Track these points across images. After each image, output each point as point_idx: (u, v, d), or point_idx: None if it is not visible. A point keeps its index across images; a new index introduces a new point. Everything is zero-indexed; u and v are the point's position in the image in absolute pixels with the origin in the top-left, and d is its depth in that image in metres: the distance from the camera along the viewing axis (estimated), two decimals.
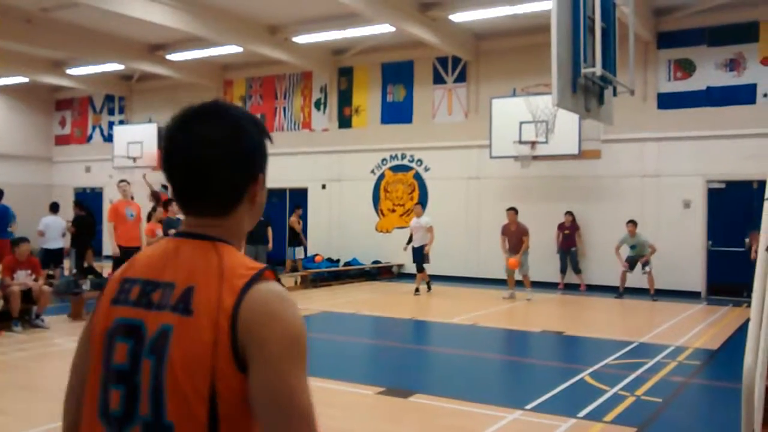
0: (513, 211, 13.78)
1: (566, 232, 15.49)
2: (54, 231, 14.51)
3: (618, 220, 15.13)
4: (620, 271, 14.22)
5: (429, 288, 14.88)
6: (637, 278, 14.12)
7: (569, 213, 15.48)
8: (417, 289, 14.61)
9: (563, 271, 15.64)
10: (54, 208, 15.32)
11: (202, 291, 1.33)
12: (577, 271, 15.45)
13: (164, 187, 18.30)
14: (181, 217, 10.16)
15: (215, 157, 1.42)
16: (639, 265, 13.97)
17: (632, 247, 13.96)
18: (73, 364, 1.55)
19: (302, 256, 16.83)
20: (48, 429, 5.46)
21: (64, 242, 14.95)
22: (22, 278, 10.13)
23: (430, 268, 14.96)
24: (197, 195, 1.44)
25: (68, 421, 1.54)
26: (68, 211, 17.23)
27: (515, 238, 13.64)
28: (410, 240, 14.92)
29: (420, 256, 14.55)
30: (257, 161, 1.48)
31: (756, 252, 12.76)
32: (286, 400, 1.28)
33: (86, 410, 1.43)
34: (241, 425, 1.32)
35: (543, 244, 15.07)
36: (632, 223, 13.95)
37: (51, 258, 14.19)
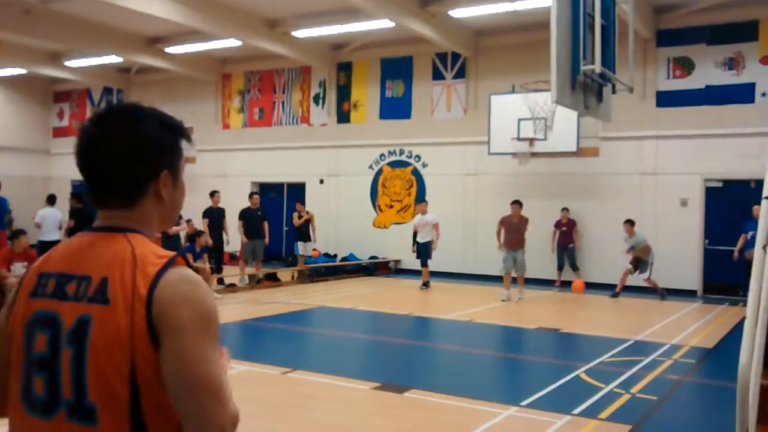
0: (518, 204, 13.31)
1: (563, 228, 15.49)
2: (50, 223, 14.50)
3: (616, 218, 15.14)
4: (623, 270, 13.96)
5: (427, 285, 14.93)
6: (637, 275, 14.07)
7: (565, 209, 15.48)
8: (424, 283, 14.72)
9: (560, 268, 15.64)
10: (51, 200, 15.30)
11: (116, 280, 1.43)
12: (575, 268, 15.45)
13: None
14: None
15: (113, 154, 1.52)
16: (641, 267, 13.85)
17: (632, 248, 13.86)
18: None
19: (305, 253, 16.46)
20: None
21: (60, 235, 14.93)
22: (19, 270, 10.12)
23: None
24: (102, 189, 1.56)
25: None
26: (65, 204, 17.21)
27: (516, 230, 13.16)
28: (415, 237, 14.94)
29: (426, 251, 14.59)
30: (159, 158, 1.57)
31: (738, 251, 12.65)
32: (194, 370, 1.38)
33: (11, 395, 1.53)
34: (159, 399, 1.41)
35: (541, 242, 15.07)
36: (629, 222, 13.81)
37: (47, 250, 14.17)
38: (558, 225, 15.54)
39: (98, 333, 1.41)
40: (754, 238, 11.81)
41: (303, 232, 16.11)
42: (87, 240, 1.55)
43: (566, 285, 15.48)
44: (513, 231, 13.15)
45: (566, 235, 15.43)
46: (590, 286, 15.23)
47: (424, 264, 14.72)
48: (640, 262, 13.77)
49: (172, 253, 1.48)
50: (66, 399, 1.43)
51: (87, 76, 22.08)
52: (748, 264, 11.43)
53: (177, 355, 1.39)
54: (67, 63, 20.71)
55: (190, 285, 1.44)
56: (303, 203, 16.78)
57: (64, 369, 1.43)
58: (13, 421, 1.53)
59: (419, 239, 14.74)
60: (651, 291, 13.99)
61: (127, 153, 1.53)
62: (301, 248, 16.23)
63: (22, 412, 1.49)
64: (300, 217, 16.13)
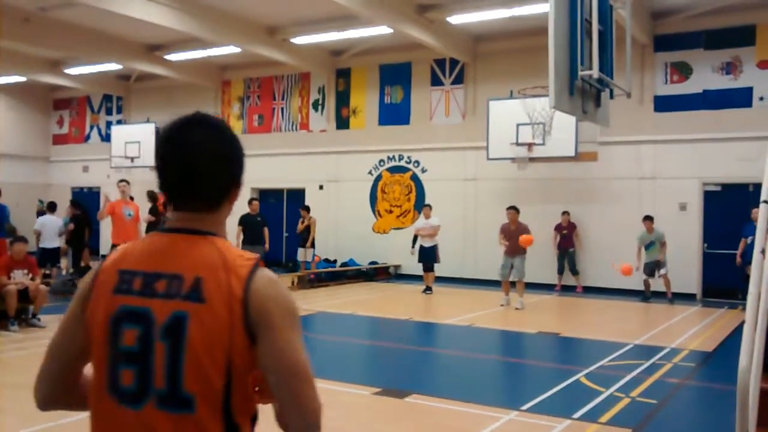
0: (514, 210, 13.30)
1: (564, 232, 15.50)
2: (50, 230, 14.51)
3: (614, 223, 15.19)
4: (641, 275, 13.99)
5: (427, 290, 14.96)
6: (637, 281, 14.09)
7: (566, 213, 15.50)
8: (429, 288, 14.83)
9: (560, 272, 15.65)
10: (51, 207, 15.32)
11: (211, 281, 1.56)
12: (575, 272, 15.47)
13: None
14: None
15: (204, 162, 1.64)
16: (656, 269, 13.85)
17: (650, 245, 13.81)
18: (51, 347, 1.72)
19: (304, 259, 16.38)
20: (45, 428, 5.47)
21: (60, 242, 14.95)
22: (19, 278, 10.14)
23: (426, 268, 15.07)
24: (187, 193, 1.65)
25: (38, 398, 1.73)
26: (64, 211, 17.22)
27: (515, 238, 13.01)
28: (415, 241, 14.97)
29: (433, 256, 14.67)
30: (240, 167, 1.73)
31: (740, 257, 12.59)
32: (289, 360, 1.57)
33: (94, 386, 1.63)
34: (245, 389, 1.58)
35: (540, 246, 15.05)
36: (649, 219, 13.83)
37: (48, 257, 14.20)
38: (559, 228, 15.56)
39: (196, 329, 1.53)
40: (754, 242, 11.83)
41: (304, 238, 16.08)
42: (166, 240, 1.65)
43: (566, 289, 15.51)
44: (512, 238, 12.97)
45: (567, 238, 15.45)
46: (588, 290, 15.26)
47: (430, 269, 14.80)
48: (660, 264, 13.77)
49: (255, 256, 1.64)
50: (157, 389, 1.54)
51: (87, 84, 22.14)
52: (747, 275, 11.46)
53: (275, 350, 1.56)
54: (67, 70, 20.76)
55: (277, 286, 1.62)
56: (306, 209, 16.62)
57: (157, 361, 1.54)
58: (99, 410, 1.62)
59: (425, 244, 14.77)
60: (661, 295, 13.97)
61: (217, 161, 1.66)
62: (301, 254, 16.21)
63: (109, 402, 1.59)
64: (303, 222, 16.11)
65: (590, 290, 15.26)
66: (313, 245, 16.03)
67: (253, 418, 1.66)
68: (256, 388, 1.64)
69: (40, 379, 1.72)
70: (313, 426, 1.61)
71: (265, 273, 1.61)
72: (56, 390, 1.71)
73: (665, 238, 13.80)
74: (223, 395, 1.54)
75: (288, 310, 1.60)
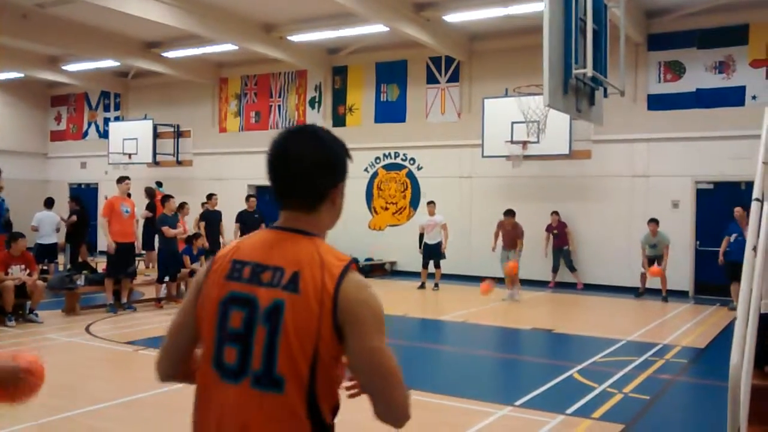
0: (511, 215, 13.72)
1: (555, 232, 15.53)
2: (48, 226, 14.55)
3: (608, 220, 15.27)
4: (640, 272, 14.17)
5: (423, 286, 15.03)
6: (629, 276, 14.17)
7: (555, 213, 15.53)
8: (436, 285, 14.98)
9: (555, 270, 15.74)
10: (48, 203, 15.35)
11: (307, 275, 1.76)
12: (572, 269, 15.53)
13: (158, 183, 18.35)
14: (177, 213, 10.06)
15: (304, 168, 1.85)
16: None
17: (652, 246, 13.89)
18: (171, 328, 1.95)
19: None
20: (42, 424, 5.50)
21: (57, 237, 14.99)
22: (17, 273, 10.20)
23: (419, 265, 15.13)
24: (290, 195, 1.88)
25: (159, 372, 1.98)
26: (63, 207, 17.26)
27: (510, 237, 13.72)
28: (421, 239, 15.07)
29: (437, 252, 14.79)
30: (338, 172, 1.90)
31: (722, 254, 12.56)
32: (378, 362, 1.74)
33: (202, 361, 1.85)
34: (328, 379, 1.76)
35: (534, 243, 15.16)
36: (654, 221, 13.87)
37: (45, 253, 14.24)
38: (549, 229, 15.57)
39: (290, 316, 1.73)
40: (737, 240, 11.91)
41: None
42: (273, 237, 1.88)
43: (560, 286, 15.59)
44: (507, 234, 13.73)
45: (560, 237, 15.53)
46: (584, 287, 15.35)
47: (437, 265, 14.92)
48: (652, 263, 13.80)
49: (348, 258, 1.81)
50: (254, 369, 1.75)
51: (84, 81, 22.14)
52: (732, 270, 11.54)
53: (364, 349, 1.74)
54: (65, 67, 20.77)
55: (367, 290, 1.79)
56: None
57: (257, 344, 1.75)
58: (203, 383, 1.85)
59: (428, 240, 14.87)
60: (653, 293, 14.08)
61: (315, 168, 1.85)
62: None
63: (212, 376, 1.81)
64: None
65: (585, 287, 15.35)
66: None
67: (335, 408, 1.81)
68: (346, 383, 1.88)
69: (161, 356, 1.96)
70: (403, 419, 1.80)
71: (355, 276, 1.79)
72: (175, 366, 1.95)
73: (669, 242, 13.81)
74: (309, 381, 1.72)
75: (374, 314, 1.76)
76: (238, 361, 1.76)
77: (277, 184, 1.88)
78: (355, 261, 1.82)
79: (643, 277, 14.20)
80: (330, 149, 1.89)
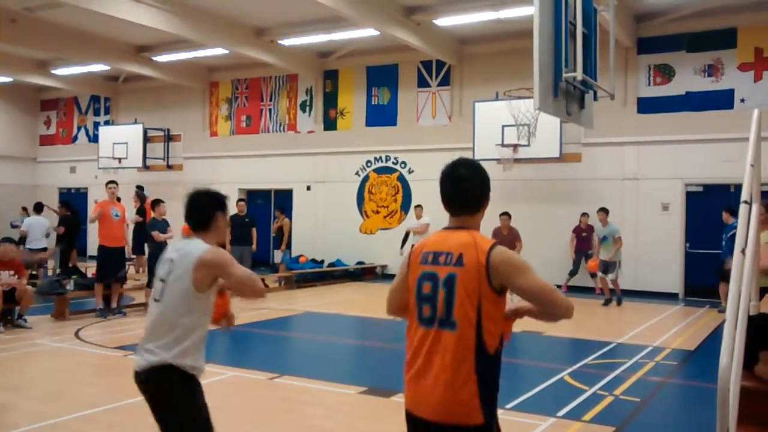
0: (506, 216, 13.53)
1: (583, 234, 15.00)
2: (37, 231, 14.47)
3: (598, 223, 15.27)
4: (600, 279, 13.95)
5: None
6: (625, 281, 14.12)
7: (585, 214, 14.97)
8: None
9: (573, 274, 15.11)
10: (38, 208, 15.27)
11: (468, 254, 2.68)
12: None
13: (139, 188, 18.06)
14: (166, 218, 10.03)
15: (470, 189, 2.84)
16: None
17: (603, 239, 13.55)
18: (392, 291, 2.99)
19: (277, 261, 16.76)
20: (31, 429, 5.46)
21: (47, 242, 14.90)
22: (5, 278, 10.12)
23: None
24: (461, 207, 2.84)
25: (388, 310, 3.07)
26: (50, 212, 17.15)
27: (507, 243, 13.35)
28: (404, 241, 15.06)
29: None
30: (488, 191, 2.87)
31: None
32: (535, 288, 2.66)
33: (410, 317, 2.85)
34: (491, 320, 2.66)
35: (525, 247, 15.14)
36: (603, 210, 13.60)
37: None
38: (578, 231, 15.09)
39: (461, 282, 2.66)
40: (726, 242, 11.91)
41: (279, 239, 16.34)
42: (447, 234, 2.82)
43: (571, 290, 15.13)
44: (504, 243, 13.23)
45: (585, 240, 14.97)
46: (575, 290, 15.34)
47: None
48: (608, 265, 13.47)
49: (492, 241, 2.73)
50: (439, 317, 2.69)
51: (74, 85, 22.06)
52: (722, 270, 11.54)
53: (523, 288, 2.65)
54: (54, 71, 20.68)
55: (506, 253, 2.69)
56: (282, 210, 16.87)
57: (440, 301, 2.69)
58: (412, 330, 2.81)
59: (416, 243, 14.85)
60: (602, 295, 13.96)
61: (477, 188, 2.84)
62: (277, 255, 16.44)
63: (417, 325, 2.78)
64: (276, 223, 16.40)
65: (576, 290, 15.33)
66: (288, 246, 16.24)
67: (499, 343, 2.70)
68: (508, 314, 2.76)
69: (389, 302, 3.02)
70: (566, 316, 2.75)
71: (499, 248, 2.69)
72: (397, 308, 2.99)
73: (619, 234, 13.45)
74: (476, 322, 2.63)
75: (519, 264, 2.67)
76: (430, 313, 2.71)
77: (450, 200, 2.85)
78: (497, 242, 2.76)
79: (602, 281, 13.82)
80: (483, 173, 2.85)
